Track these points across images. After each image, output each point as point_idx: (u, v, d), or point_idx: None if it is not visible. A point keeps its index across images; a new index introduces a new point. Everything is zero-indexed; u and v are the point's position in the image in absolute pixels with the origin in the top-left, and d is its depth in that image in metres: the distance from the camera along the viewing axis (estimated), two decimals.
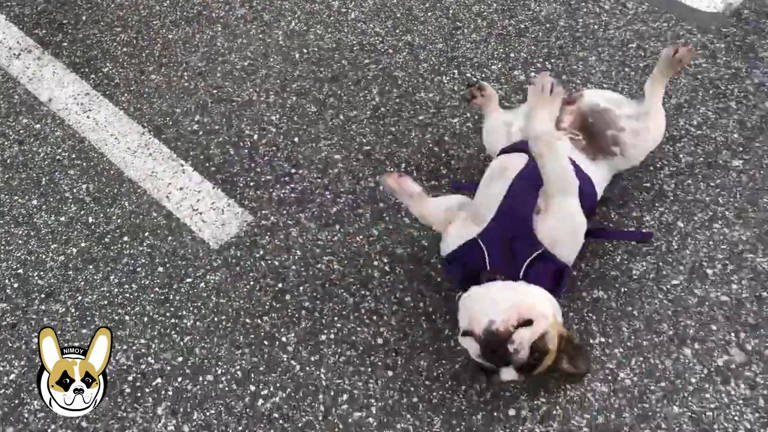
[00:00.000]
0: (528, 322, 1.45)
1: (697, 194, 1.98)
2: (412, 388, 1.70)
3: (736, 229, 1.89)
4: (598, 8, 2.52)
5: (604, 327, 1.75)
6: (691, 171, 2.02)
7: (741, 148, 2.06)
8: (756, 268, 1.82)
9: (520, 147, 1.74)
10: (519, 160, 1.68)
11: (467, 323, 1.50)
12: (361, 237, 2.00)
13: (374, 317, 1.84)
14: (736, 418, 1.59)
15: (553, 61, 2.38)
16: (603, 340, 1.73)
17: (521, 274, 1.54)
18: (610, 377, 1.67)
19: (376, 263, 1.94)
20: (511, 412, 1.64)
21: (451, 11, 2.59)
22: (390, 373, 1.73)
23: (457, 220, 1.67)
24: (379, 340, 1.80)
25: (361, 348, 1.78)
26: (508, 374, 1.47)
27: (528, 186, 1.62)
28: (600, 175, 1.77)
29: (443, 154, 2.17)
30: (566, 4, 2.55)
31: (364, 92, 2.39)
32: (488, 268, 1.56)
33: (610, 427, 1.60)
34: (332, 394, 1.71)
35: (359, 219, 2.05)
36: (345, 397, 1.71)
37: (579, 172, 1.66)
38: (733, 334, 1.71)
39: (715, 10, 2.43)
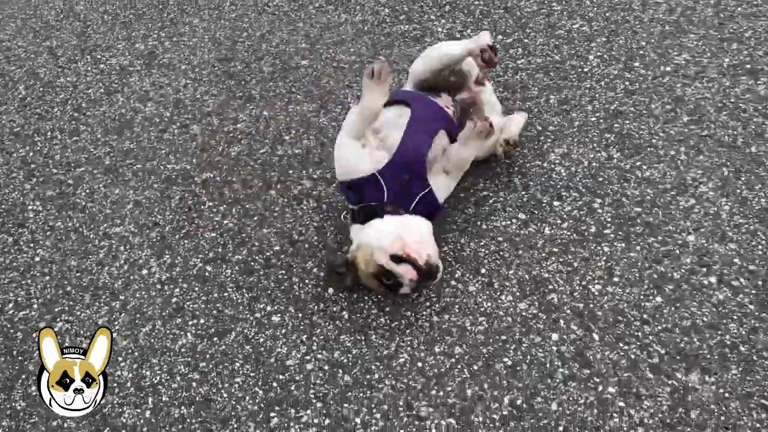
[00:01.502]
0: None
1: None
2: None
3: None
4: None
5: None
6: None
7: None
8: None
9: (400, 99, 1.97)
10: (406, 110, 1.92)
11: (399, 250, 1.71)
12: None
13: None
14: None
15: None
16: None
17: (411, 208, 1.82)
18: None
19: None
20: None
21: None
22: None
23: (367, 149, 1.84)
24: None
25: None
26: (406, 289, 1.75)
27: (419, 132, 1.87)
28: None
29: None
30: None
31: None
32: (386, 201, 1.81)
33: None
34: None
35: None
36: None
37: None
38: None
39: None
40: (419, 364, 1.71)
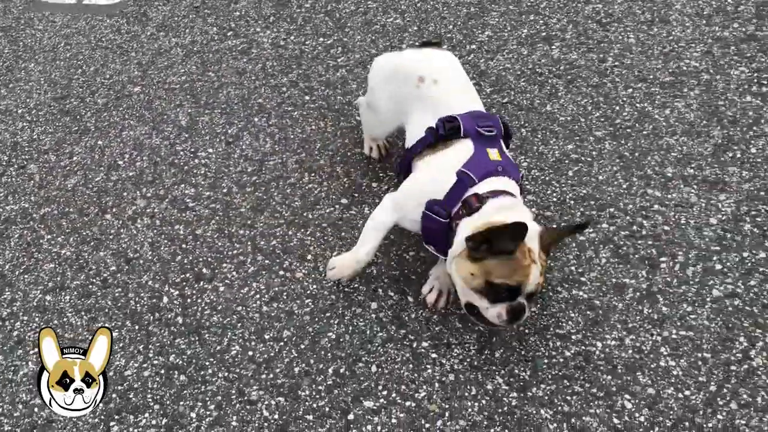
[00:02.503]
0: None
1: None
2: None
3: None
4: None
5: None
6: None
7: None
8: None
9: None
10: None
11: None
12: None
13: None
14: None
15: None
16: None
17: None
18: None
19: None
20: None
21: None
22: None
23: None
24: None
25: None
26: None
27: None
28: None
29: None
30: None
31: None
32: None
33: None
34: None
35: None
36: None
37: None
38: None
39: None
40: (250, 353, 1.80)
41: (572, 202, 1.98)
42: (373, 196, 2.10)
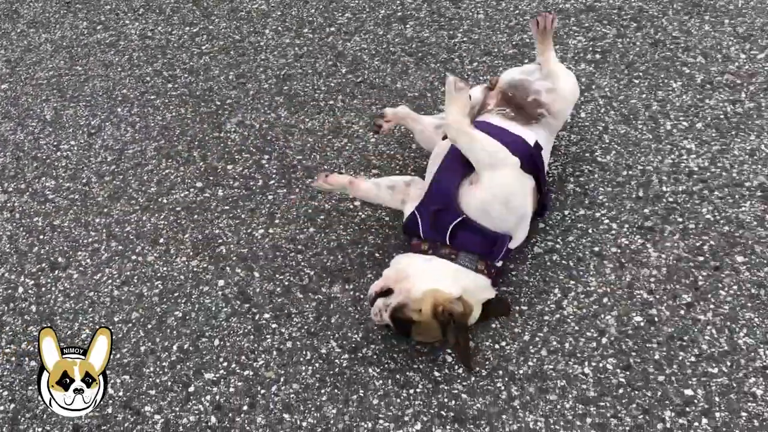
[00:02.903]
0: (387, 292, 1.66)
1: None
2: None
3: None
4: None
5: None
6: None
7: None
8: None
9: None
10: (447, 144, 1.81)
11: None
12: None
13: None
14: None
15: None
16: None
17: (446, 240, 1.70)
18: None
19: None
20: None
21: None
22: None
23: (411, 199, 1.84)
24: None
25: None
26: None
27: (452, 164, 1.75)
28: (542, 137, 1.86)
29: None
30: None
31: None
32: (422, 236, 1.74)
33: None
34: None
35: None
36: None
37: (508, 134, 1.78)
38: None
39: None
40: None
41: (413, 173, 2.07)
42: (228, 178, 2.16)
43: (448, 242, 1.69)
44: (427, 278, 1.66)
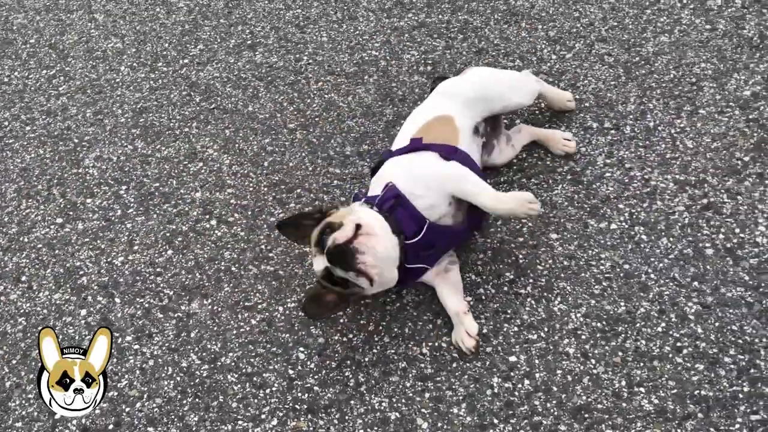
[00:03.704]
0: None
1: None
2: None
3: None
4: None
5: None
6: None
7: None
8: None
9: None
10: None
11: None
12: None
13: None
14: None
15: None
16: None
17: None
18: None
19: None
20: None
21: None
22: None
23: None
24: None
25: None
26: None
27: None
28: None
29: None
30: None
31: None
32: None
33: None
34: None
35: None
36: None
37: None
38: None
39: None
40: None
41: (266, 189, 2.20)
42: (87, 211, 2.23)
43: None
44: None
